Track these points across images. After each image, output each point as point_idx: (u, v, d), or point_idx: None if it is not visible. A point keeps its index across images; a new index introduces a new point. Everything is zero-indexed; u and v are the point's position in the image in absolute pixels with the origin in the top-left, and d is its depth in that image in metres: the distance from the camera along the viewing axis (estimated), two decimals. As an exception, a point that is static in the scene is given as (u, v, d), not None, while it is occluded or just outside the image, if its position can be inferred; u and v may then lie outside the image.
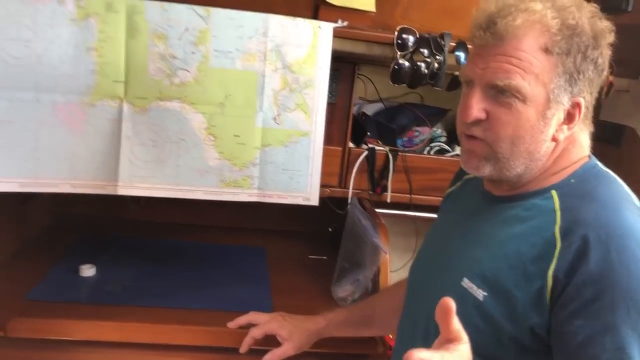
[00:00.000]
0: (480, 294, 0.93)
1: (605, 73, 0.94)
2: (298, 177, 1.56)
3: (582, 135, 0.98)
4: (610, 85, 1.67)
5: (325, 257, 2.01)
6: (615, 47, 1.74)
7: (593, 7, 0.93)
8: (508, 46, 0.89)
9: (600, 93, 1.65)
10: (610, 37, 0.93)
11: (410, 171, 1.82)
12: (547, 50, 0.88)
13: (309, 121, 1.55)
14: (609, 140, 1.90)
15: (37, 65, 1.37)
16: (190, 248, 1.95)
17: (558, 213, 0.90)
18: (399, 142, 1.89)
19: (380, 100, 2.01)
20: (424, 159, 1.85)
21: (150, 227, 2.07)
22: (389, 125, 1.89)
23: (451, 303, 0.71)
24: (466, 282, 0.96)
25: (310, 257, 2.03)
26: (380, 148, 1.82)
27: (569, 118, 0.93)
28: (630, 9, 1.59)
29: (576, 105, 0.92)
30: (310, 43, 1.50)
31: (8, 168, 1.39)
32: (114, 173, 1.45)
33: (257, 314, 1.43)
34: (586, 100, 0.93)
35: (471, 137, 0.96)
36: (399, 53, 1.55)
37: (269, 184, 1.55)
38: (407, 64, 1.55)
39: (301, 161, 1.56)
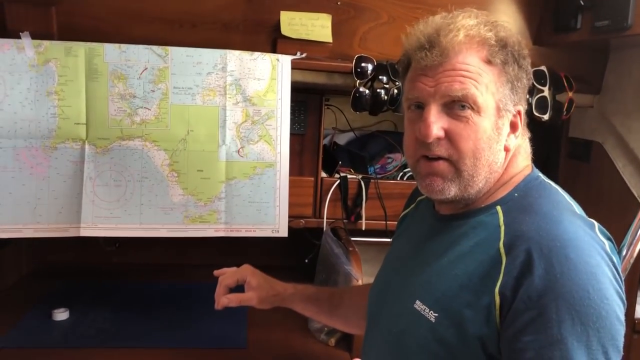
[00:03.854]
0: (432, 315, 0.91)
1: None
2: (265, 209, 1.56)
3: (525, 143, 1.00)
4: (571, 101, 1.69)
5: (305, 290, 1.99)
6: (572, 65, 1.81)
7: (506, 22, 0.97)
8: (455, 61, 0.90)
9: (562, 110, 1.69)
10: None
11: (384, 197, 1.82)
12: (489, 62, 0.90)
13: (273, 152, 1.56)
14: (578, 156, 1.91)
15: (-3, 112, 1.40)
16: (167, 288, 1.93)
17: (502, 228, 0.89)
18: (371, 169, 1.89)
19: (351, 129, 2.02)
20: (397, 184, 1.85)
21: (128, 269, 2.05)
22: (359, 153, 1.90)
23: None
24: (418, 305, 0.94)
25: (291, 290, 2.00)
26: (352, 176, 1.82)
27: (513, 127, 0.95)
28: (579, 26, 1.62)
29: (518, 114, 0.95)
30: (270, 75, 1.52)
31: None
32: (76, 215, 1.45)
33: (225, 269, 1.37)
34: (524, 109, 0.97)
35: (433, 159, 0.94)
36: (358, 81, 1.56)
37: (236, 218, 1.55)
38: (367, 91, 1.57)
39: (268, 193, 1.56)
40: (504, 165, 0.96)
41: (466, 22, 0.91)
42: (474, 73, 0.90)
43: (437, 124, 0.90)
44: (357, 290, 1.38)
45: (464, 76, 0.89)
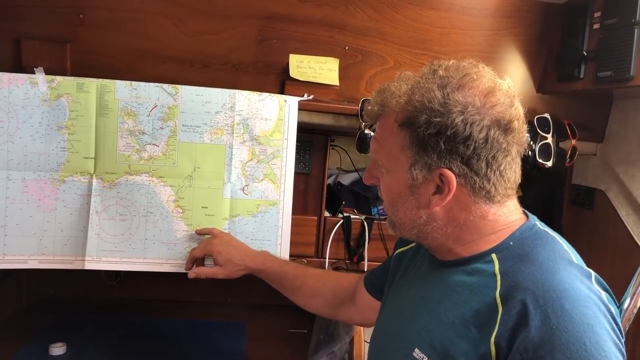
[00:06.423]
0: None
1: (489, 144, 0.89)
2: (267, 247, 1.57)
3: (498, 207, 0.95)
4: (574, 149, 1.70)
5: (305, 331, 1.97)
6: (576, 113, 1.83)
7: (469, 83, 0.90)
8: (378, 124, 1.01)
9: (565, 158, 1.71)
10: (487, 113, 0.88)
11: (387, 239, 1.82)
12: (398, 126, 0.94)
13: (277, 191, 1.57)
14: (582, 204, 1.91)
15: (9, 144, 1.42)
16: (167, 324, 1.91)
17: (498, 277, 0.89)
18: (375, 210, 1.90)
19: (356, 170, 2.04)
20: (400, 226, 1.85)
21: (129, 304, 2.04)
22: (363, 193, 1.91)
23: None
24: (417, 353, 0.93)
25: (290, 331, 1.98)
26: (355, 216, 1.83)
27: (440, 190, 0.93)
28: (582, 76, 1.65)
29: (441, 177, 0.91)
30: (277, 116, 1.55)
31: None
32: (81, 248, 1.46)
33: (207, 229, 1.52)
34: (463, 171, 0.91)
35: None
36: (363, 123, 1.59)
37: (238, 255, 1.55)
38: (371, 133, 1.59)
39: (270, 230, 1.57)
40: (453, 224, 0.95)
41: (397, 87, 0.96)
42: (382, 135, 0.99)
43: (368, 173, 1.05)
44: (319, 276, 1.48)
45: (376, 138, 1.01)
